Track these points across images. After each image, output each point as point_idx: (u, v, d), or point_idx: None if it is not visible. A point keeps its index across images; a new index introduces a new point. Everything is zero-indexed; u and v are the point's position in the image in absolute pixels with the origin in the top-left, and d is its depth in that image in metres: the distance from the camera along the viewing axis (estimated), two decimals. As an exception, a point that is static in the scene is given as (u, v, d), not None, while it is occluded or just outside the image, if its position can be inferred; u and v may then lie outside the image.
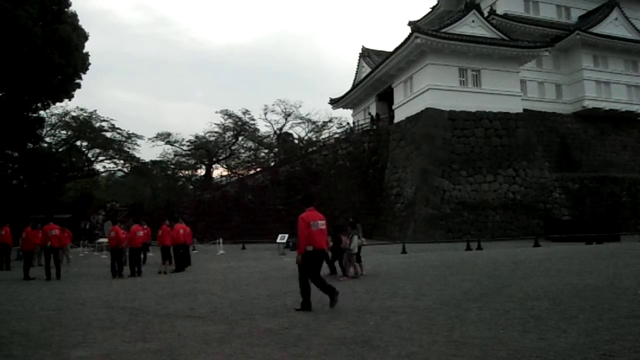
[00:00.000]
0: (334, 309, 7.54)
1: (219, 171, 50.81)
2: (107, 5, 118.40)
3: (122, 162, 44.25)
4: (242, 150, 50.59)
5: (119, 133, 42.53)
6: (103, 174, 47.56)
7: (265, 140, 50.51)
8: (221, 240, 26.06)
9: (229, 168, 50.11)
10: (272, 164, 44.48)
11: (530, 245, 21.87)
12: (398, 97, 37.58)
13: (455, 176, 31.41)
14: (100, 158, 44.01)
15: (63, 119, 41.24)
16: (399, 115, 36.89)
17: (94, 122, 41.53)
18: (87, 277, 14.29)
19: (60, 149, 41.65)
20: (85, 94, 76.03)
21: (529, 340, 5.35)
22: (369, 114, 43.29)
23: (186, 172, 49.65)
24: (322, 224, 8.04)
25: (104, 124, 41.91)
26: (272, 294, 9.77)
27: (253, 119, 48.43)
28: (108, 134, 42.24)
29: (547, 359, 4.66)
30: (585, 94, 40.59)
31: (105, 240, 22.73)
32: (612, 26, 41.76)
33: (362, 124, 42.88)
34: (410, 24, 40.99)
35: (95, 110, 41.80)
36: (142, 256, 16.92)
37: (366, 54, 44.61)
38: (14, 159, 35.22)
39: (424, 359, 4.88)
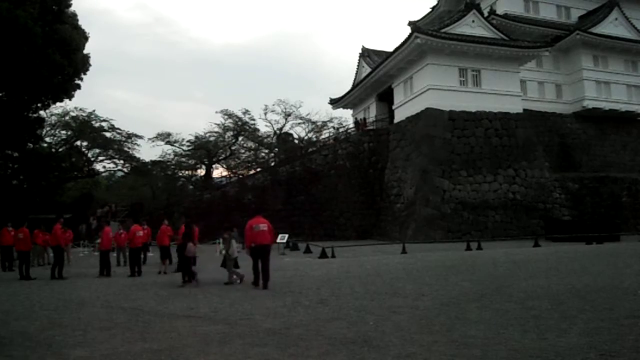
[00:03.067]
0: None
1: (219, 171, 50.84)
2: (105, 4, 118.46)
3: (122, 162, 44.30)
4: (242, 150, 50.60)
5: (118, 133, 42.58)
6: (103, 174, 47.58)
7: (265, 140, 50.52)
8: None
9: (229, 168, 50.12)
10: (272, 164, 44.47)
11: (530, 245, 21.87)
12: (398, 97, 37.58)
13: (455, 176, 31.42)
14: (100, 158, 44.05)
15: (63, 119, 41.27)
16: (399, 115, 36.89)
17: (93, 122, 41.56)
18: (87, 277, 14.28)
19: (60, 149, 41.66)
20: (85, 93, 76.12)
21: (529, 340, 5.35)
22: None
23: (186, 172, 49.65)
24: (263, 227, 11.13)
25: (103, 124, 41.97)
26: (272, 293, 9.77)
27: (253, 119, 48.47)
28: (108, 134, 42.29)
29: (547, 359, 4.66)
30: (585, 94, 40.59)
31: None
32: (612, 26, 41.75)
33: (369, 120, 42.76)
34: (410, 24, 40.96)
35: (94, 111, 41.88)
36: (142, 256, 16.93)
37: (366, 54, 44.63)
38: (14, 159, 35.20)
39: (424, 359, 4.88)
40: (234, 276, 12.07)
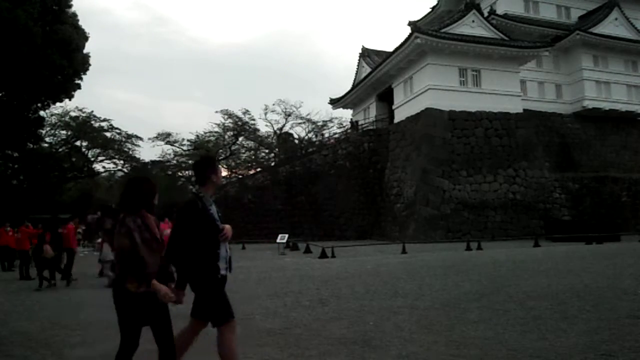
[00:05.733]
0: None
1: (218, 171, 50.86)
2: (104, 4, 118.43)
3: (122, 162, 44.36)
4: (242, 150, 50.65)
5: (118, 133, 42.64)
6: (103, 174, 47.63)
7: (265, 140, 50.56)
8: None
9: (229, 168, 50.14)
10: (272, 164, 44.50)
11: (530, 245, 21.86)
12: (398, 97, 37.59)
13: (455, 176, 31.42)
14: (100, 158, 44.13)
15: (63, 119, 41.31)
16: (399, 115, 36.90)
17: (93, 123, 41.61)
18: (86, 277, 14.27)
19: (60, 149, 41.70)
20: (85, 93, 76.05)
21: (529, 340, 5.35)
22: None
23: (186, 172, 49.66)
24: (169, 230, 11.38)
25: (103, 124, 42.02)
26: (272, 293, 9.76)
27: (253, 119, 48.52)
28: (108, 134, 42.35)
29: (547, 359, 4.66)
30: (585, 94, 40.60)
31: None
32: (612, 26, 41.76)
33: (362, 124, 42.92)
34: (410, 24, 40.97)
35: (92, 111, 41.91)
36: None
37: (366, 54, 44.65)
38: (14, 159, 35.22)
39: (424, 359, 4.88)
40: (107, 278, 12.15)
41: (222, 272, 4.02)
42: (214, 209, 4.05)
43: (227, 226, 4.07)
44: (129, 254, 3.44)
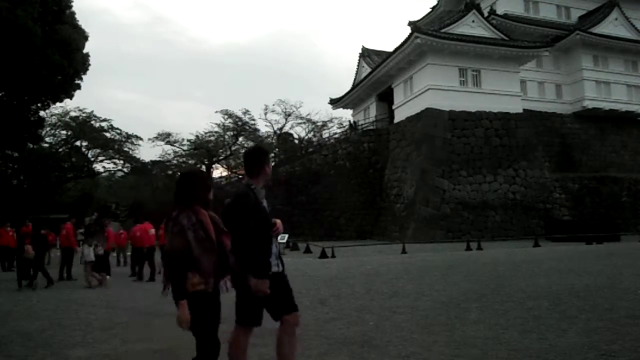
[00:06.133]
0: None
1: (219, 171, 50.90)
2: (103, 4, 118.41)
3: (122, 162, 44.37)
4: (242, 150, 50.62)
5: (118, 133, 42.65)
6: (103, 174, 47.65)
7: (265, 140, 50.56)
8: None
9: (229, 168, 50.17)
10: (272, 164, 44.52)
11: (530, 245, 21.87)
12: (398, 97, 37.59)
13: (455, 176, 31.42)
14: (100, 158, 44.15)
15: (63, 119, 41.32)
16: (399, 115, 36.90)
17: (93, 123, 41.63)
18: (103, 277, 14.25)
19: (60, 149, 41.72)
20: (85, 93, 76.05)
21: (529, 340, 5.35)
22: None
23: (186, 172, 49.72)
24: (153, 231, 14.17)
25: (103, 124, 42.04)
26: (272, 294, 9.74)
27: (253, 119, 48.56)
28: (108, 134, 42.36)
29: (547, 359, 4.66)
30: (585, 94, 40.59)
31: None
32: (612, 26, 41.75)
33: (362, 124, 42.94)
34: (410, 24, 40.96)
35: (92, 111, 41.92)
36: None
37: (366, 54, 44.64)
38: (14, 159, 35.22)
39: (424, 359, 4.88)
40: (94, 280, 12.21)
41: (274, 268, 3.77)
42: (265, 202, 3.85)
43: (278, 221, 3.88)
44: (181, 255, 3.20)
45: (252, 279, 3.49)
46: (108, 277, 13.28)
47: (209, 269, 3.31)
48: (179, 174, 3.81)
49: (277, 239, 3.84)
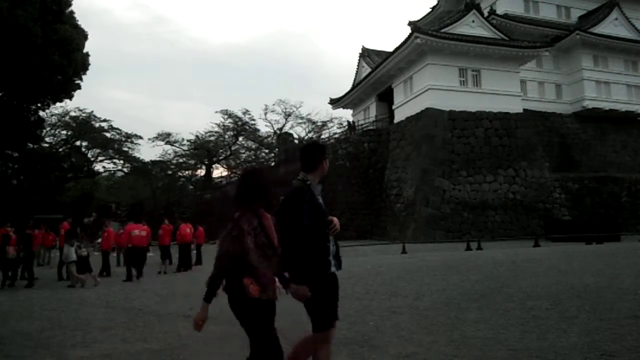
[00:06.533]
0: None
1: (219, 171, 50.91)
2: (103, 3, 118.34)
3: (122, 162, 44.37)
4: (242, 150, 50.73)
5: (118, 133, 42.65)
6: (103, 174, 47.66)
7: (265, 140, 50.59)
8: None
9: (229, 168, 50.19)
10: (272, 164, 44.52)
11: (530, 245, 21.87)
12: (398, 97, 37.58)
13: (455, 176, 31.41)
14: (100, 158, 44.16)
15: (63, 119, 41.34)
16: (399, 115, 36.89)
17: (93, 123, 41.64)
18: (86, 278, 14.25)
19: (60, 149, 41.73)
20: (85, 93, 76.10)
21: (529, 340, 5.35)
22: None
23: (186, 172, 49.72)
24: (140, 231, 14.46)
25: (103, 124, 42.05)
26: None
27: (253, 119, 48.60)
28: (107, 134, 42.36)
29: (547, 359, 4.66)
30: (585, 94, 40.58)
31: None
32: (612, 26, 41.74)
33: (361, 124, 42.93)
34: (410, 24, 40.97)
35: (92, 112, 41.93)
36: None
37: (366, 54, 44.63)
38: (14, 159, 35.22)
39: (424, 359, 4.88)
40: (78, 281, 12.34)
41: (332, 268, 3.58)
42: (321, 199, 3.65)
43: (335, 218, 3.66)
44: (233, 260, 3.03)
45: (292, 283, 3.33)
46: (99, 278, 13.33)
47: (268, 276, 3.08)
48: (242, 172, 3.53)
49: (334, 237, 3.65)
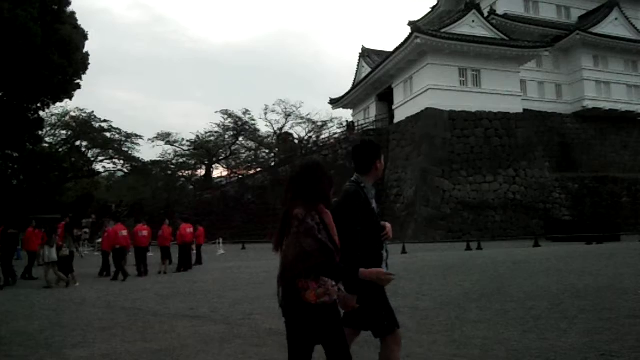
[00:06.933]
0: None
1: (219, 171, 50.87)
2: (103, 3, 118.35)
3: (122, 162, 44.32)
4: (242, 150, 50.63)
5: (118, 133, 42.62)
6: (103, 174, 47.63)
7: (265, 140, 50.53)
8: (221, 241, 26.07)
9: (229, 168, 50.15)
10: (272, 164, 44.50)
11: (530, 245, 21.87)
12: (398, 97, 37.58)
13: (455, 176, 31.42)
14: (100, 158, 44.10)
15: (63, 119, 41.30)
16: (399, 115, 36.89)
17: (93, 123, 41.62)
18: (86, 277, 14.28)
19: (61, 149, 41.69)
20: (85, 93, 76.17)
21: (529, 340, 5.35)
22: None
23: (186, 172, 49.66)
24: (125, 232, 14.95)
25: (103, 124, 42.02)
26: (272, 293, 9.71)
27: (253, 119, 48.50)
28: (107, 134, 42.32)
29: (547, 359, 4.66)
30: (585, 94, 40.59)
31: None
32: (612, 26, 41.76)
33: (361, 124, 42.93)
34: (410, 24, 40.98)
35: (93, 112, 41.89)
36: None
37: (366, 54, 44.64)
38: (14, 159, 35.19)
39: (424, 359, 4.88)
40: (60, 281, 12.40)
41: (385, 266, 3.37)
42: (375, 203, 3.42)
43: (388, 225, 3.48)
44: (310, 255, 2.73)
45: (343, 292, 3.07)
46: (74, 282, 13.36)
47: (329, 280, 2.81)
48: (301, 165, 3.15)
49: (386, 244, 3.46)
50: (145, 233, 15.64)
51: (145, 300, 9.64)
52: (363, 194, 3.32)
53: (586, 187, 35.25)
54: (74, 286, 12.44)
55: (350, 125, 43.79)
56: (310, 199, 2.87)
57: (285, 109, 49.14)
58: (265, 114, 49.54)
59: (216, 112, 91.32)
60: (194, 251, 18.26)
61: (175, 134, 47.99)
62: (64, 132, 42.09)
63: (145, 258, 15.41)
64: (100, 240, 20.35)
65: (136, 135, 43.41)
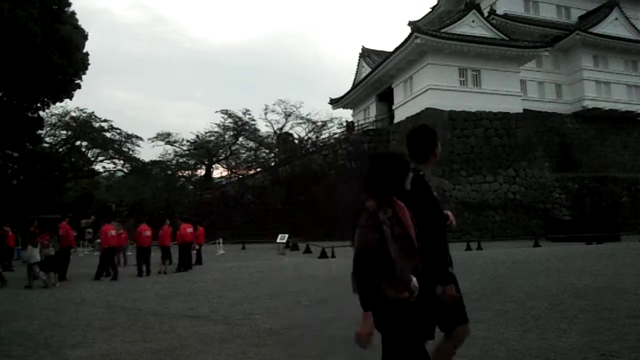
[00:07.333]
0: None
1: (219, 171, 50.86)
2: (103, 3, 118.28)
3: (122, 162, 44.33)
4: (242, 150, 50.66)
5: (118, 133, 42.64)
6: (103, 174, 47.63)
7: (265, 140, 50.54)
8: (221, 240, 26.06)
9: (229, 168, 50.15)
10: (272, 164, 44.51)
11: (530, 245, 21.87)
12: (398, 97, 37.58)
13: (455, 176, 31.42)
14: (100, 158, 44.11)
15: (63, 119, 41.30)
16: (399, 115, 36.89)
17: (93, 123, 41.63)
18: (86, 278, 14.28)
19: (60, 149, 41.70)
20: (84, 93, 76.16)
21: (528, 340, 5.35)
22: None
23: (186, 172, 49.67)
24: (114, 232, 15.04)
25: (103, 124, 42.03)
26: (272, 293, 9.76)
27: (253, 119, 48.53)
28: (108, 134, 42.34)
29: (547, 359, 4.65)
30: (585, 94, 40.59)
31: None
32: (612, 26, 41.76)
33: (361, 124, 42.94)
34: (410, 24, 41.00)
35: (93, 112, 41.90)
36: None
37: (366, 54, 44.64)
38: (14, 159, 35.20)
39: None
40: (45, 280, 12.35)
41: (450, 268, 3.19)
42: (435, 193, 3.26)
43: (450, 213, 3.34)
44: (373, 254, 2.67)
45: (438, 286, 2.98)
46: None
47: (405, 276, 2.66)
48: (375, 156, 2.98)
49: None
50: (148, 233, 15.70)
51: (145, 300, 9.64)
52: (425, 183, 3.17)
53: (586, 187, 35.25)
54: (54, 287, 12.36)
55: (349, 125, 43.81)
56: (383, 192, 2.76)
57: (285, 109, 49.19)
58: (265, 114, 49.59)
59: (216, 112, 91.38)
60: (194, 251, 18.26)
61: (175, 134, 48.06)
62: (64, 132, 42.09)
63: (149, 258, 15.41)
64: (99, 240, 20.36)
65: (136, 137, 43.50)
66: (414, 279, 2.70)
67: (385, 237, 2.65)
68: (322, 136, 49.26)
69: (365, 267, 2.75)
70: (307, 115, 50.65)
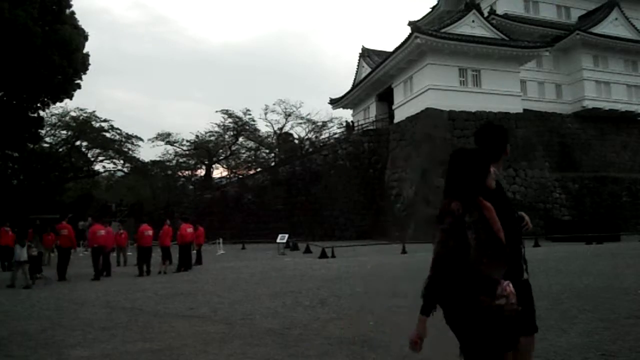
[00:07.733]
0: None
1: (219, 171, 50.82)
2: (103, 3, 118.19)
3: (122, 162, 44.31)
4: (243, 150, 50.57)
5: (118, 133, 42.64)
6: (103, 174, 47.60)
7: (265, 140, 50.51)
8: (221, 240, 26.05)
9: (229, 168, 50.11)
10: (272, 164, 44.50)
11: (530, 245, 21.86)
12: (398, 97, 37.58)
13: (455, 176, 31.40)
14: (100, 158, 44.08)
15: (63, 119, 41.27)
16: (399, 115, 36.89)
17: (93, 123, 41.62)
18: (86, 278, 14.28)
19: (60, 149, 41.68)
20: (84, 93, 76.08)
21: (529, 340, 5.34)
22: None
23: (186, 172, 49.62)
24: (102, 232, 14.95)
25: (103, 124, 42.02)
26: (272, 293, 9.76)
27: (253, 119, 48.44)
28: (108, 134, 42.32)
29: (547, 359, 4.65)
30: (585, 94, 40.59)
31: None
32: (612, 26, 41.75)
33: (361, 124, 42.94)
34: (410, 24, 40.95)
35: (94, 111, 41.90)
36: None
37: (366, 54, 44.64)
38: (14, 159, 35.20)
39: (424, 359, 4.88)
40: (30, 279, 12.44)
41: (524, 275, 3.00)
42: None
43: (526, 215, 3.16)
44: (452, 258, 2.51)
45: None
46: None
47: (493, 283, 2.45)
48: (454, 153, 2.81)
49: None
50: (150, 233, 15.74)
51: (145, 300, 9.64)
52: (498, 184, 2.97)
53: (586, 187, 35.25)
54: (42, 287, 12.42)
55: (349, 125, 43.83)
56: (468, 192, 2.58)
57: (285, 109, 49.13)
58: (266, 114, 49.54)
59: (216, 112, 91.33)
60: (194, 250, 18.27)
61: (175, 134, 47.92)
62: (64, 132, 42.04)
63: (150, 258, 15.43)
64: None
65: (137, 137, 43.49)
66: (509, 284, 2.50)
67: (469, 244, 2.47)
68: (322, 136, 49.28)
69: (442, 273, 2.58)
70: (307, 115, 50.62)
